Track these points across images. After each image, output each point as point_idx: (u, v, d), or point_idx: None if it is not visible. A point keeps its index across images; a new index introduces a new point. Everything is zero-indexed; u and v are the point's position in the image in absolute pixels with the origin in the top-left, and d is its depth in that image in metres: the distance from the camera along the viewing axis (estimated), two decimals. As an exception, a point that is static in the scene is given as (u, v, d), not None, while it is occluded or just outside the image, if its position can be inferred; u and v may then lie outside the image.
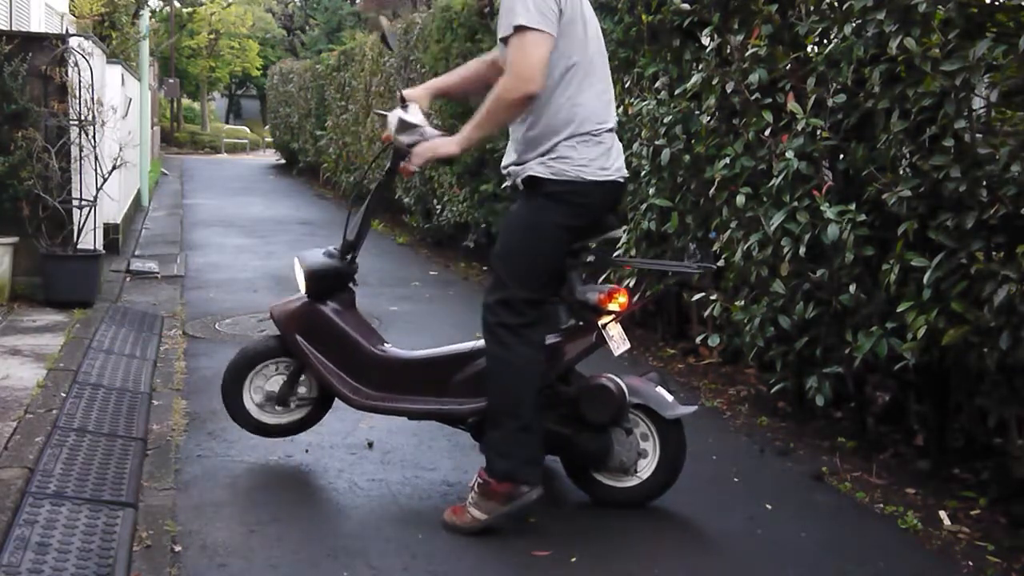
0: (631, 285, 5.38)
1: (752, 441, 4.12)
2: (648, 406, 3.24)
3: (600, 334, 3.19)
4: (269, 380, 3.64)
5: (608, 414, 3.17)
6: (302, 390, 3.64)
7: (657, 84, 5.20)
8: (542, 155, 2.98)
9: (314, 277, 3.45)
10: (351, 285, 3.52)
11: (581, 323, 3.23)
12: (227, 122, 40.84)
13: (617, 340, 3.22)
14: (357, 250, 3.47)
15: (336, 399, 3.52)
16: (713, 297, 4.53)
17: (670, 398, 3.26)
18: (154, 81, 21.41)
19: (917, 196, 3.41)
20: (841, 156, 3.90)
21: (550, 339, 3.19)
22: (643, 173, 5.20)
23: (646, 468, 3.30)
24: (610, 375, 3.22)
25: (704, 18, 4.70)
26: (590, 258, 3.24)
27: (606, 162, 3.00)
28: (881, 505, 3.44)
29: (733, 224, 4.31)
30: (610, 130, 3.05)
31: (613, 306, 3.16)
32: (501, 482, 3.00)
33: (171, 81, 28.25)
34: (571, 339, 3.22)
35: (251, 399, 3.65)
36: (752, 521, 3.27)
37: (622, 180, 3.10)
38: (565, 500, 3.38)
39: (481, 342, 3.23)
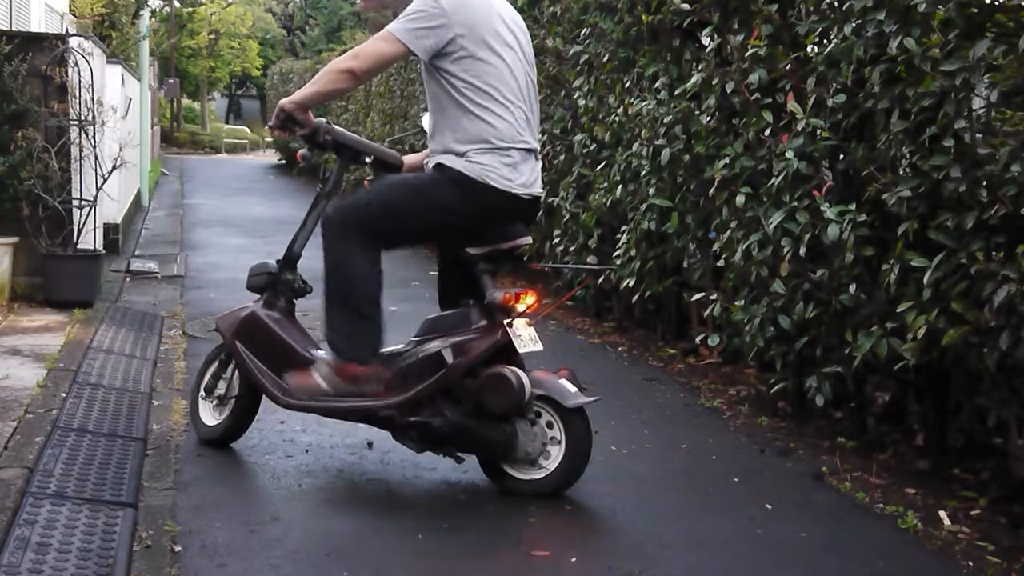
0: (631, 284, 5.39)
1: (752, 441, 4.12)
2: (551, 396, 3.32)
3: (505, 332, 3.32)
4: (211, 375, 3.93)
5: (507, 403, 3.26)
6: (223, 388, 3.84)
7: (657, 84, 5.20)
8: (456, 156, 3.31)
9: (249, 273, 3.80)
10: (292, 296, 3.75)
11: (487, 323, 3.36)
12: (227, 122, 40.82)
13: (525, 339, 3.36)
14: (293, 262, 3.73)
15: (263, 404, 3.80)
16: (713, 297, 4.53)
17: (572, 388, 3.34)
18: (154, 81, 21.40)
19: (917, 196, 3.41)
20: (841, 156, 3.90)
21: (460, 337, 3.36)
22: (643, 173, 5.20)
23: (553, 459, 3.35)
24: (512, 367, 3.28)
25: (704, 18, 4.70)
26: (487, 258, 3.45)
27: (511, 174, 3.30)
28: (881, 505, 3.44)
29: (733, 224, 4.31)
30: (522, 149, 3.34)
31: (520, 306, 3.34)
32: (346, 363, 3.32)
33: (171, 81, 28.22)
34: (478, 337, 3.35)
35: (202, 392, 3.92)
36: (752, 521, 3.27)
37: (527, 197, 3.37)
38: (565, 501, 3.38)
39: (398, 347, 3.48)
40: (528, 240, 3.49)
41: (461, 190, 3.27)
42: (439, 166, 3.33)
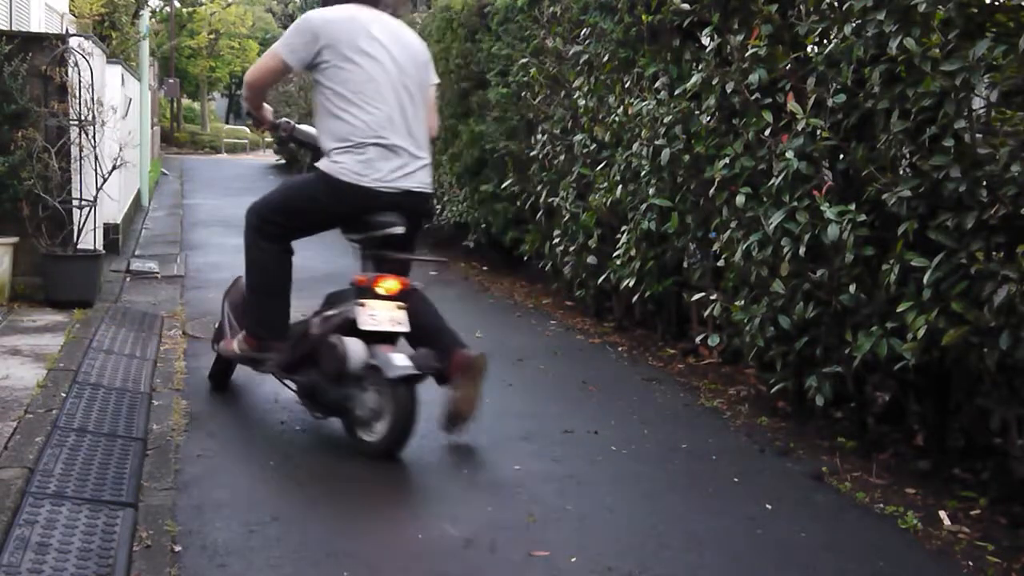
0: (631, 284, 5.39)
1: (752, 441, 4.12)
2: (378, 366, 3.62)
3: (358, 309, 3.72)
4: None
5: (331, 367, 3.70)
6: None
7: (657, 84, 5.20)
8: (327, 155, 3.85)
9: None
10: None
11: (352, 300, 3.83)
12: (227, 122, 40.80)
13: (380, 319, 3.72)
14: None
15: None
16: (713, 297, 4.53)
17: (401, 362, 3.62)
18: (154, 81, 21.39)
19: (917, 196, 3.41)
20: (841, 156, 3.90)
21: (329, 311, 3.91)
22: (643, 173, 5.20)
23: (382, 424, 3.66)
24: (342, 336, 3.69)
25: (704, 18, 4.70)
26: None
27: (364, 170, 3.75)
28: (881, 505, 3.45)
29: (733, 224, 4.31)
30: (380, 146, 3.77)
31: (379, 289, 3.75)
32: (248, 336, 4.10)
33: (171, 81, 28.21)
34: (337, 313, 3.85)
35: None
36: (752, 521, 3.27)
37: (390, 191, 3.78)
38: (566, 500, 3.38)
39: (300, 317, 4.06)
40: (399, 229, 3.78)
41: (326, 187, 3.81)
42: (313, 167, 3.90)
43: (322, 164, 3.82)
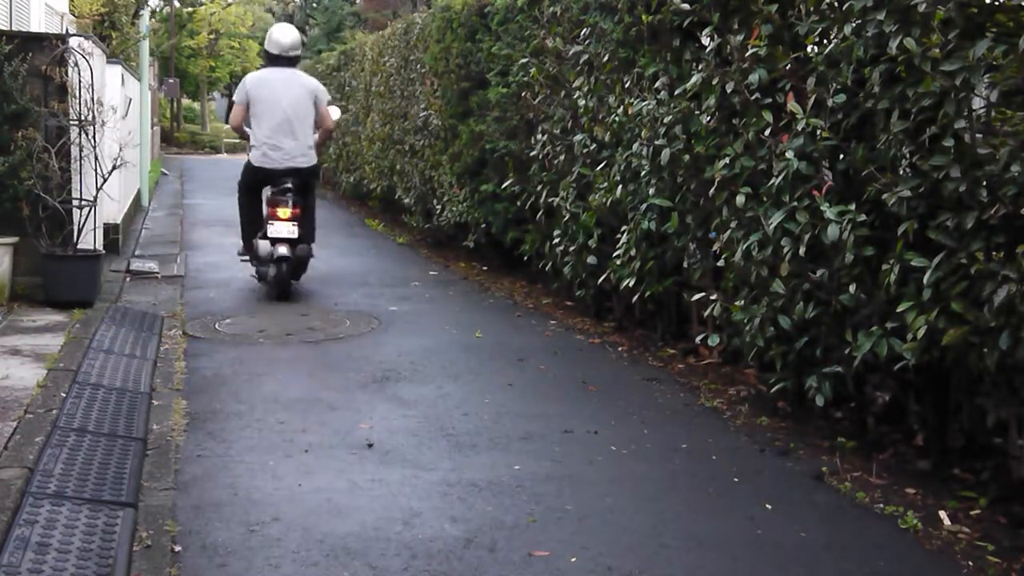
0: (631, 284, 5.39)
1: (752, 441, 4.12)
2: (272, 252, 6.86)
3: (268, 224, 6.90)
4: None
5: (255, 254, 7.07)
6: None
7: (657, 84, 5.20)
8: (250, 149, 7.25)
9: None
10: None
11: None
12: (227, 122, 40.76)
13: (279, 230, 6.81)
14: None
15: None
16: (713, 297, 4.52)
17: (280, 250, 6.79)
18: (154, 81, 21.38)
19: (917, 196, 3.41)
20: (841, 156, 3.90)
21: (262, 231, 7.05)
22: (643, 173, 5.20)
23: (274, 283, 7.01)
24: (260, 239, 6.94)
25: (704, 18, 4.70)
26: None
27: (261, 159, 7.02)
28: (881, 505, 3.44)
29: (733, 224, 4.31)
30: (269, 144, 6.98)
31: (279, 215, 6.87)
32: (244, 245, 7.45)
33: (171, 81, 28.21)
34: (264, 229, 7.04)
35: None
36: (752, 521, 3.27)
37: (279, 168, 6.96)
38: (565, 500, 3.38)
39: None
40: (287, 184, 6.91)
41: (249, 167, 7.15)
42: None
43: (248, 155, 7.21)
